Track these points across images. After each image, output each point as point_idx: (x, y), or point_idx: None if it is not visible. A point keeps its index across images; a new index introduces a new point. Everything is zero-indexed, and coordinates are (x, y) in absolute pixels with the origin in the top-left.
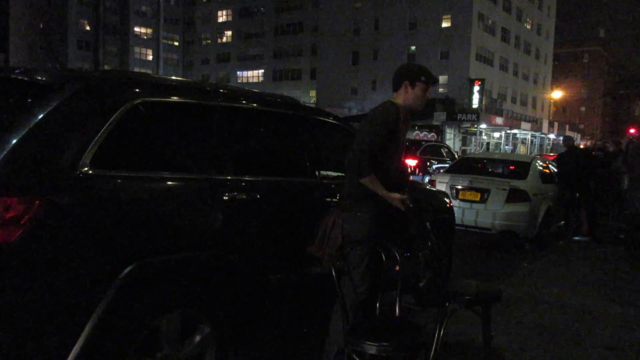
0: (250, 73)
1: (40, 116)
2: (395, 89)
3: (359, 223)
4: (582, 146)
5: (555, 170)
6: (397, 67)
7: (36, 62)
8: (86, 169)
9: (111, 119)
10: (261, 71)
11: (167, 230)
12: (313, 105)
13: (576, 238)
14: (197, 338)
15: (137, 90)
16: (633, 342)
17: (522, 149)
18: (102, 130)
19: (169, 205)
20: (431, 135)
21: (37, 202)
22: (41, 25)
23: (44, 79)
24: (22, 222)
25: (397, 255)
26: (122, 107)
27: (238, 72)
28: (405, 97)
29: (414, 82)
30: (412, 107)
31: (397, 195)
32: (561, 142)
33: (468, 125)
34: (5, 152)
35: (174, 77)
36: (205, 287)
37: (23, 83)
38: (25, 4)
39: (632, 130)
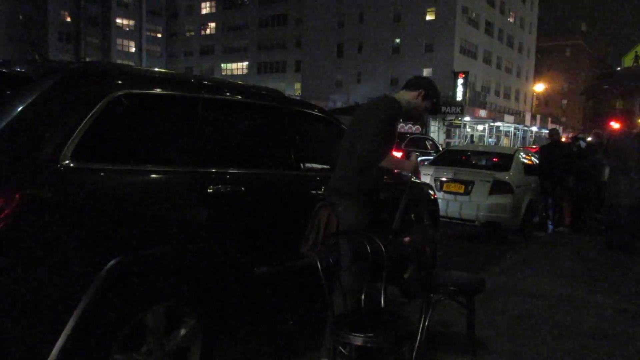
0: (234, 65)
1: (20, 108)
2: (409, 89)
3: (359, 217)
4: (563, 139)
5: (538, 162)
6: (422, 76)
7: (16, 53)
8: (67, 162)
9: (93, 111)
10: (245, 63)
11: (151, 223)
12: (298, 98)
13: (558, 229)
14: (183, 332)
15: (120, 82)
16: (617, 332)
17: (505, 142)
18: (84, 123)
19: (153, 199)
20: (415, 128)
21: (17, 195)
22: (21, 17)
23: (23, 70)
24: (1, 216)
25: (381, 246)
26: (104, 99)
27: (222, 65)
28: (413, 100)
29: (427, 97)
30: (410, 112)
31: (410, 163)
32: (545, 134)
33: (452, 117)
34: None
35: (157, 69)
36: (190, 281)
37: (2, 75)
38: None
39: (612, 123)
